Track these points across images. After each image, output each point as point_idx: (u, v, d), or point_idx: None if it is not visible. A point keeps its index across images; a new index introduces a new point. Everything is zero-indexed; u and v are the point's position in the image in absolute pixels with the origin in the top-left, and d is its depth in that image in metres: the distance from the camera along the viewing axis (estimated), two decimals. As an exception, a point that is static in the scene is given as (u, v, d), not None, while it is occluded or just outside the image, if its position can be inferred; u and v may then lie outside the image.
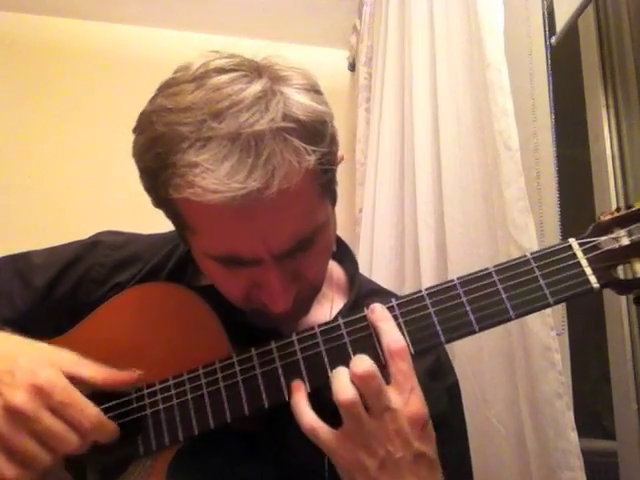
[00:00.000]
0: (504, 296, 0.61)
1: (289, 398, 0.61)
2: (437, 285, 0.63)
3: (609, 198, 1.21)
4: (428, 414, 0.59)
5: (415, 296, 0.63)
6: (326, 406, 0.59)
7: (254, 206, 0.56)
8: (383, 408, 0.57)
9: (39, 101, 2.31)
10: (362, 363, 0.58)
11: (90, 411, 0.60)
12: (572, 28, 1.24)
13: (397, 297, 0.77)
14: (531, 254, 0.62)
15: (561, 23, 1.22)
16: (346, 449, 0.57)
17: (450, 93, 1.39)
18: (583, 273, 0.60)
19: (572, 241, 0.62)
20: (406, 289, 1.49)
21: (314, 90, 0.62)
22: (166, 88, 0.61)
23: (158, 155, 0.58)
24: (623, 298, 1.15)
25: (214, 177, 0.54)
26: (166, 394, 0.65)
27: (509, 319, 0.60)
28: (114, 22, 2.42)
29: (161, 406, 0.64)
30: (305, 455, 0.65)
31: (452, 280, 0.63)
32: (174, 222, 0.66)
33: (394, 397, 0.57)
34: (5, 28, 2.33)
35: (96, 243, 0.83)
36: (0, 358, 0.62)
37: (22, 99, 2.30)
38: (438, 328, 0.61)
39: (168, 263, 0.79)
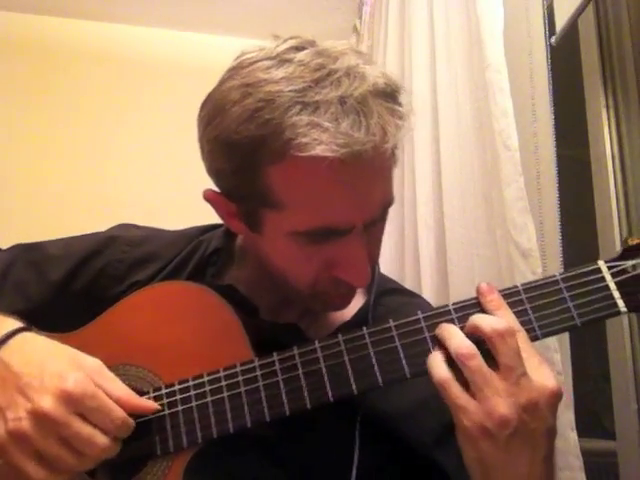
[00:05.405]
0: (532, 316, 0.60)
1: (332, 398, 0.60)
2: (463, 300, 0.62)
3: (609, 198, 1.21)
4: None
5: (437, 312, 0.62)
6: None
7: (359, 169, 0.59)
8: (520, 373, 0.54)
9: (39, 101, 2.31)
10: (500, 321, 0.56)
11: (116, 414, 0.59)
12: (572, 28, 1.24)
13: (416, 296, 0.76)
14: (560, 274, 0.62)
15: (561, 23, 1.22)
16: (476, 412, 0.54)
17: (450, 93, 1.39)
18: (611, 297, 0.60)
19: (601, 264, 0.62)
20: (406, 289, 1.49)
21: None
22: (242, 68, 0.62)
23: (269, 121, 0.58)
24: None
25: (340, 132, 0.56)
26: (185, 395, 0.63)
27: (536, 338, 0.60)
28: (114, 22, 2.43)
29: (180, 407, 0.63)
30: (326, 460, 0.65)
31: (476, 297, 0.61)
32: (253, 203, 0.64)
33: (531, 366, 0.55)
34: (5, 28, 2.34)
35: (114, 238, 0.81)
36: (28, 362, 0.61)
37: (22, 99, 2.31)
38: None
39: (190, 262, 0.78)
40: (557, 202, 1.11)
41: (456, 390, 0.55)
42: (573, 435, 0.98)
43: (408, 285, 1.49)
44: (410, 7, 1.65)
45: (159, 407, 0.63)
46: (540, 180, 1.14)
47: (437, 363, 0.56)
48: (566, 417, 0.98)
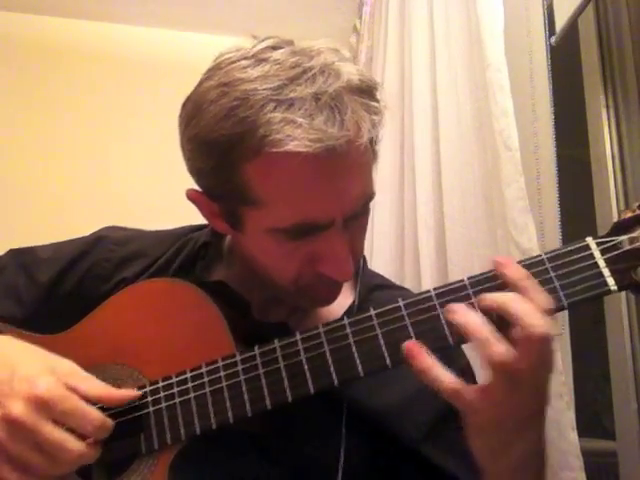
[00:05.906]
0: None
1: (313, 390, 0.60)
2: (444, 285, 0.60)
3: (609, 198, 1.21)
4: None
5: (423, 296, 0.61)
6: None
7: (334, 163, 0.59)
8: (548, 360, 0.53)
9: (38, 101, 2.31)
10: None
11: (92, 415, 0.59)
12: (572, 28, 1.24)
13: (403, 289, 0.76)
14: (546, 254, 0.58)
15: (561, 23, 1.22)
16: (492, 408, 0.53)
17: (450, 93, 1.39)
18: (601, 274, 0.56)
19: (590, 240, 0.58)
20: (406, 289, 1.49)
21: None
22: (219, 69, 0.63)
23: (244, 119, 0.59)
24: (623, 297, 1.14)
25: (313, 128, 0.57)
26: (169, 392, 0.64)
27: None
28: (114, 22, 2.42)
29: (163, 404, 0.63)
30: (314, 454, 0.65)
31: (462, 280, 0.60)
32: (233, 201, 0.65)
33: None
34: (5, 28, 2.34)
35: (100, 238, 0.82)
36: None
37: (22, 99, 2.31)
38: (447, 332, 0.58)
39: (176, 259, 0.79)
40: (557, 202, 1.12)
41: (472, 395, 0.54)
42: (573, 435, 0.98)
43: (408, 285, 1.49)
44: (410, 7, 1.65)
45: (140, 393, 0.64)
46: (540, 180, 1.14)
47: (444, 374, 0.54)
48: (566, 417, 0.98)
